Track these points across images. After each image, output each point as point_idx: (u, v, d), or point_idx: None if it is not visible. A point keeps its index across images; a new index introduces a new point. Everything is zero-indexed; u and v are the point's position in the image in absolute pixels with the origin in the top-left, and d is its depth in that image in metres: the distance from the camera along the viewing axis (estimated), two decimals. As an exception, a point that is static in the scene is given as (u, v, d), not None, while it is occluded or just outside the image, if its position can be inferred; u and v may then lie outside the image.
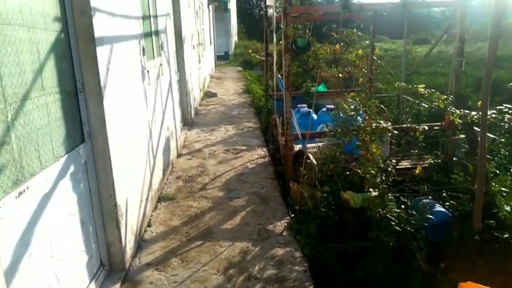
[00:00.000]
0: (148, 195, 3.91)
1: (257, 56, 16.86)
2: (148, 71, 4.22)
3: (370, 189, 3.89)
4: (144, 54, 4.06)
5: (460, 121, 3.99)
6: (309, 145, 4.75)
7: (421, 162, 5.10)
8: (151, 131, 4.23)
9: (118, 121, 3.05)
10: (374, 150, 4.10)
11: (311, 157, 4.46)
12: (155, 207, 4.21)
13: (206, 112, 9.16)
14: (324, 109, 6.42)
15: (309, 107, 6.80)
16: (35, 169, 2.09)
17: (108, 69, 2.88)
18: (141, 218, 3.59)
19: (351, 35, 4.62)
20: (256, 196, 4.55)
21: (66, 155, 2.43)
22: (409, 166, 5.20)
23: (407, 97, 6.95)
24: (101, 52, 2.75)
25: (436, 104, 4.17)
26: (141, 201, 3.64)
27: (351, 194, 4.14)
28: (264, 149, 6.32)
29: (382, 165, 4.07)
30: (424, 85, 4.21)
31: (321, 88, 8.50)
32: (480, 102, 3.91)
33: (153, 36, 4.77)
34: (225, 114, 8.90)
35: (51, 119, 2.30)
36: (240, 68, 17.57)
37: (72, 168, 2.49)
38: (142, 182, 3.75)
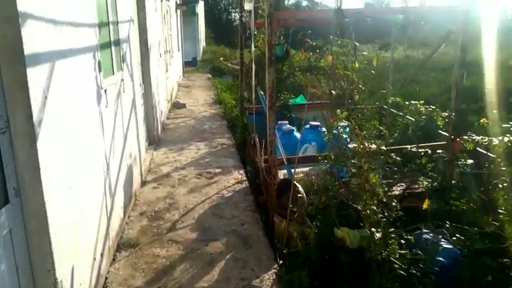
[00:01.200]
0: (104, 248, 3.12)
1: (229, 65, 16.02)
2: (105, 90, 3.46)
3: (372, 229, 3.36)
4: (100, 70, 3.31)
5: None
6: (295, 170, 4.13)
7: (416, 186, 4.63)
8: (109, 164, 3.45)
9: (60, 164, 2.28)
10: (374, 180, 3.57)
11: (301, 189, 3.84)
12: (113, 259, 3.40)
13: (174, 126, 8.36)
14: (307, 126, 5.84)
15: (289, 122, 6.22)
16: None
17: (46, 97, 2.12)
18: (93, 282, 2.81)
19: (347, 44, 4.03)
20: (236, 236, 3.86)
21: (-26, 231, 1.67)
22: (401, 192, 4.70)
23: (392, 109, 6.53)
24: (35, 74, 2.00)
25: (421, 118, 3.91)
26: (94, 259, 2.86)
27: (346, 232, 3.56)
28: (241, 172, 5.65)
29: (384, 199, 3.54)
30: (423, 101, 4.11)
31: (299, 100, 7.95)
32: (483, 120, 3.56)
33: (113, 47, 4.00)
34: (195, 129, 8.13)
35: None
36: (210, 76, 16.69)
37: (-16, 247, 1.73)
38: (97, 232, 2.97)
